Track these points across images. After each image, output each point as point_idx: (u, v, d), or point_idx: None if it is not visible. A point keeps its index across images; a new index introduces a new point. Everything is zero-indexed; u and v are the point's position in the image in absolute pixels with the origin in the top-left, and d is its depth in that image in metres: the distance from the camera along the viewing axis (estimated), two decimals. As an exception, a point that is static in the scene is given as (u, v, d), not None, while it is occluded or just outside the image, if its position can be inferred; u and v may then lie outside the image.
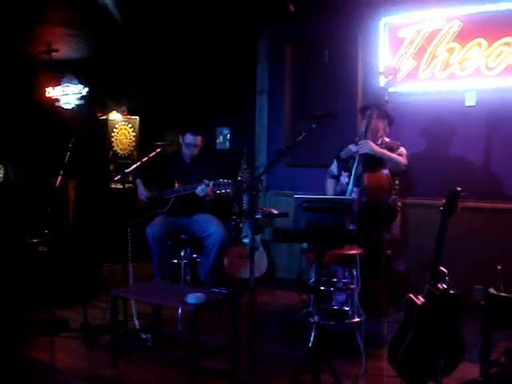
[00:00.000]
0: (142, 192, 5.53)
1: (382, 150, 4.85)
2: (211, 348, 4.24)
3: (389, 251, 4.87)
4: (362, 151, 4.79)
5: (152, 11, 6.28)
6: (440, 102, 5.71)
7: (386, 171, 4.76)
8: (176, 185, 5.39)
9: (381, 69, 5.76)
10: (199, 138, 5.54)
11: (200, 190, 5.15)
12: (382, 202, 4.74)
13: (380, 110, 4.96)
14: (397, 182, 5.06)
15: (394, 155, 4.91)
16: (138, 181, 5.60)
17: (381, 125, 5.07)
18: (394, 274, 5.10)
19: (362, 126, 5.11)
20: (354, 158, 4.85)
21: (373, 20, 6.03)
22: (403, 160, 4.95)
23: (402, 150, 5.03)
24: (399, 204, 5.19)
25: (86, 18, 6.57)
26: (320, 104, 6.37)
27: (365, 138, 4.83)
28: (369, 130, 4.87)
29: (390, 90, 5.12)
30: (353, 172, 4.81)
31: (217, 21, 6.53)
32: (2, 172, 7.98)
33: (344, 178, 5.00)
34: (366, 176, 4.73)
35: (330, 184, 5.25)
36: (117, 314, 4.21)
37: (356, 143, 4.94)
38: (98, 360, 4.28)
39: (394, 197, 5.02)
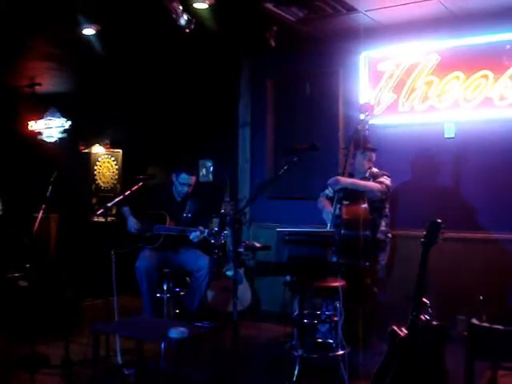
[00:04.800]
0: (133, 224, 5.45)
1: (351, 181, 4.94)
2: (194, 383, 4.19)
3: (368, 280, 4.85)
4: (335, 188, 4.88)
5: (136, 47, 6.34)
6: (420, 133, 5.79)
7: (364, 205, 4.77)
8: (168, 220, 5.38)
9: (359, 104, 5.82)
10: (193, 178, 5.58)
11: (194, 236, 5.23)
12: (359, 234, 4.72)
13: (358, 146, 5.02)
14: (387, 207, 5.11)
15: (365, 182, 4.99)
16: (126, 210, 5.50)
17: (364, 160, 5.16)
18: (377, 304, 5.08)
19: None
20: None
21: (353, 54, 6.12)
22: (377, 186, 4.97)
23: (384, 179, 5.08)
24: (389, 235, 5.19)
25: (70, 52, 6.60)
26: (302, 136, 6.42)
27: (343, 174, 4.92)
28: (346, 168, 4.94)
29: (369, 123, 5.19)
30: (332, 211, 4.86)
31: (199, 53, 6.58)
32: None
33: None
34: (344, 208, 4.74)
35: (325, 201, 5.23)
36: (98, 350, 4.14)
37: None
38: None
39: (383, 229, 5.05)
